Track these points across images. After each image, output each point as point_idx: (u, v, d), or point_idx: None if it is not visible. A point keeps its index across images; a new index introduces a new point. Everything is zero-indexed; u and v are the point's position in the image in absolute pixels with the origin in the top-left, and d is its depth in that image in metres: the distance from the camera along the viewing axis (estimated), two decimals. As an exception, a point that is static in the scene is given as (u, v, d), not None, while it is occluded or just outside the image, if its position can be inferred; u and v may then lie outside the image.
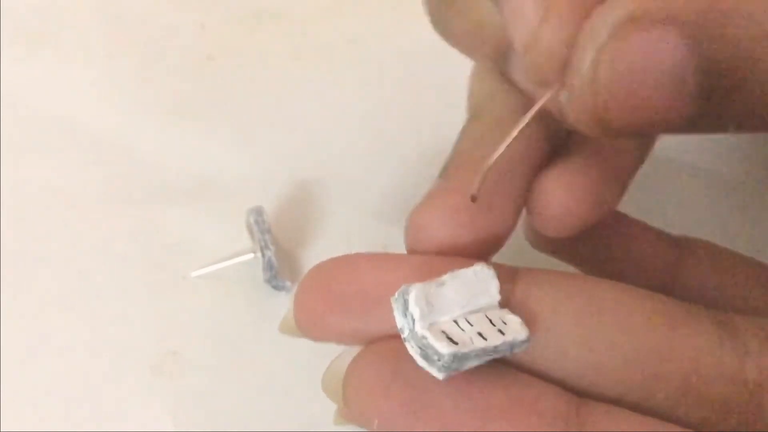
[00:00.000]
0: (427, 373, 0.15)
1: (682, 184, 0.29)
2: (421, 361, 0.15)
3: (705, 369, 0.15)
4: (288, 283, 0.26)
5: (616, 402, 0.15)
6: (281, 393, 0.24)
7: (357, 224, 0.27)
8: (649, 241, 0.21)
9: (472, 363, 0.15)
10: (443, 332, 0.15)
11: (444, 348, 0.14)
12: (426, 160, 0.30)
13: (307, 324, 0.17)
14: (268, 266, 0.25)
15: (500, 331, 0.15)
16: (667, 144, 0.27)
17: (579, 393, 0.16)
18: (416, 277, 0.16)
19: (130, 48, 0.33)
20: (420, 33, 0.34)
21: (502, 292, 0.16)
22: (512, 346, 0.15)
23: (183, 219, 0.28)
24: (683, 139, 0.30)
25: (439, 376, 0.15)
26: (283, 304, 0.25)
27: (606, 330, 0.16)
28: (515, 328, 0.15)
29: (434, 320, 0.15)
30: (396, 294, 0.15)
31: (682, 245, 0.21)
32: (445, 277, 0.15)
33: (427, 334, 0.15)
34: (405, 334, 0.15)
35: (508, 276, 0.16)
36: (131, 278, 0.26)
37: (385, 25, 0.34)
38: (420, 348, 0.15)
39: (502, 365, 0.16)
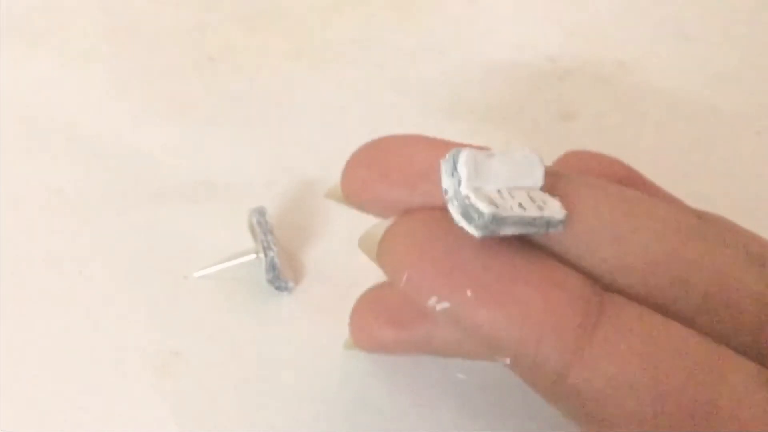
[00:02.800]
0: (461, 239, 0.15)
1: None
2: (460, 220, 0.15)
3: (729, 283, 0.16)
4: (290, 284, 0.26)
5: (640, 302, 0.16)
6: (283, 393, 0.23)
7: (359, 224, 0.27)
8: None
9: (509, 230, 0.15)
10: (486, 196, 0.15)
11: (485, 207, 0.15)
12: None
13: (354, 191, 0.18)
14: (271, 267, 0.25)
15: (539, 208, 0.15)
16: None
17: (605, 288, 0.16)
18: None
19: (130, 48, 0.33)
20: (420, 33, 0.35)
21: (545, 182, 0.16)
22: (549, 223, 0.15)
23: (184, 220, 0.27)
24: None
25: (476, 233, 0.15)
26: (285, 304, 0.25)
27: (640, 233, 0.16)
28: (554, 208, 0.16)
29: (479, 185, 0.15)
30: (446, 155, 0.16)
31: (701, 217, 0.22)
32: (495, 151, 0.16)
33: (471, 194, 0.15)
34: (449, 194, 0.16)
35: (553, 173, 0.17)
36: (132, 279, 0.26)
37: (385, 25, 0.34)
38: (461, 207, 0.15)
39: (534, 248, 0.16)
